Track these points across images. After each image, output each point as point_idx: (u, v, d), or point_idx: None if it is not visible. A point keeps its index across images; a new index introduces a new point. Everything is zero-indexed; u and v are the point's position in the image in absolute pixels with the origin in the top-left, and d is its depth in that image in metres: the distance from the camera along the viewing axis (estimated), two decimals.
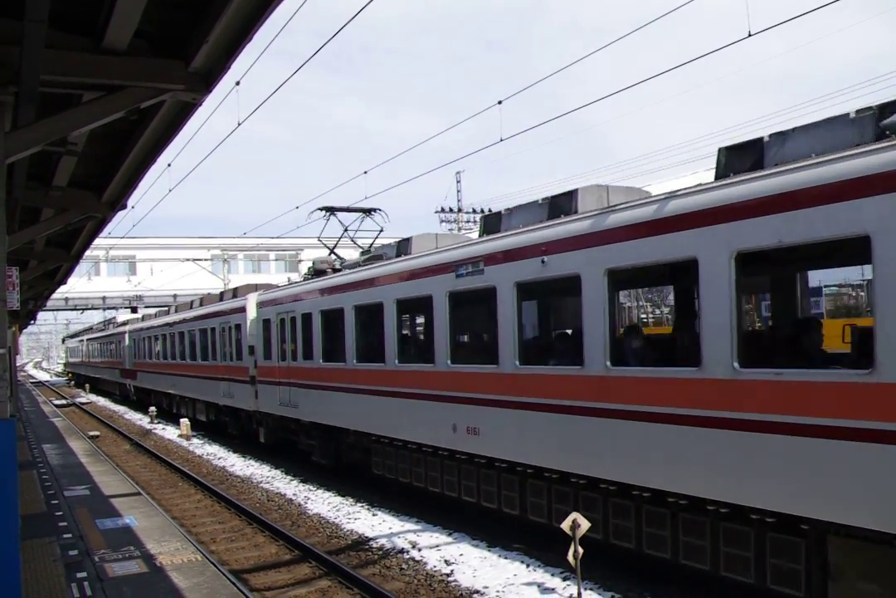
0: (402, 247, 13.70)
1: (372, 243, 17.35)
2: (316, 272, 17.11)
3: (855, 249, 6.52)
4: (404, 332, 14.12)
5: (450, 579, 9.51)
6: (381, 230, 17.69)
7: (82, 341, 63.37)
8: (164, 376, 31.26)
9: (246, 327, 20.40)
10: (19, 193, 10.91)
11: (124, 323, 44.17)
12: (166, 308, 34.68)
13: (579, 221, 9.09)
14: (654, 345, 9.77)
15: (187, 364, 27.04)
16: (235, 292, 23.02)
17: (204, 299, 27.11)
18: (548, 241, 9.45)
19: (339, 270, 16.11)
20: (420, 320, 14.91)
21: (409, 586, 9.42)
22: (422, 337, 14.61)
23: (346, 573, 9.75)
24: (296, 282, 18.89)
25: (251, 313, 20.08)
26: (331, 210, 17.58)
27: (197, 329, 25.84)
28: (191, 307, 28.03)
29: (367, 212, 17.75)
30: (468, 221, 46.26)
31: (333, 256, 17.62)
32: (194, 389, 26.49)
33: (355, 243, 18.13)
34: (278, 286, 19.84)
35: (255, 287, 22.26)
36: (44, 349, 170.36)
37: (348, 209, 17.77)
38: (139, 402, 37.90)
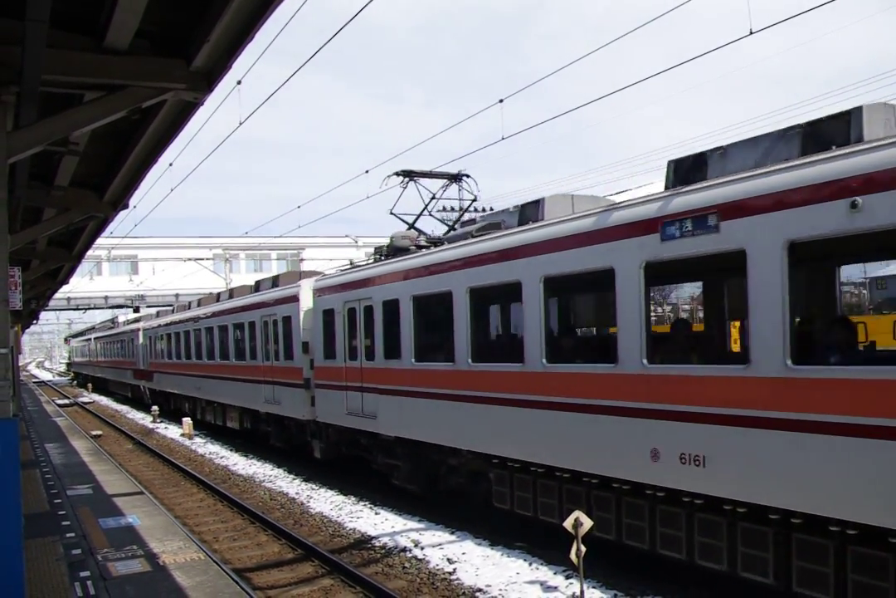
0: (529, 212, 10.82)
1: (462, 214, 14.71)
2: (395, 251, 13.87)
3: None
4: (557, 321, 10.85)
5: (452, 577, 9.52)
6: (475, 199, 15.22)
7: (89, 339, 61.50)
8: (186, 378, 27.64)
9: (299, 319, 17.09)
10: (21, 192, 10.93)
11: (137, 320, 41.38)
12: (186, 303, 31.03)
13: None
14: None
15: (217, 364, 23.53)
16: (276, 281, 19.83)
17: (234, 291, 23.83)
18: (874, 171, 6.24)
19: (424, 247, 13.19)
20: (584, 303, 11.78)
21: (412, 584, 9.43)
22: (589, 328, 11.47)
23: (348, 571, 9.76)
24: (364, 263, 15.28)
25: (306, 302, 16.88)
26: (410, 175, 14.78)
27: (230, 324, 22.21)
28: (218, 300, 24.91)
29: (454, 178, 14.94)
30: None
31: (406, 231, 14.55)
32: (226, 393, 22.96)
33: (433, 216, 15.40)
34: (343, 269, 16.25)
35: (298, 275, 19.07)
36: (46, 349, 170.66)
37: (431, 174, 15.04)
38: (146, 402, 35.28)
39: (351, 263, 16.02)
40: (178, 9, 6.82)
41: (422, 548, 10.80)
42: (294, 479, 16.99)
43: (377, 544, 11.27)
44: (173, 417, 30.63)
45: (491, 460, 10.87)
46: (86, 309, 61.85)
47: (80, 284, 45.98)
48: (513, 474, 10.50)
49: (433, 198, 14.84)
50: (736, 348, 8.19)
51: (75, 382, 69.97)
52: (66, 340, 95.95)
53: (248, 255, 62.20)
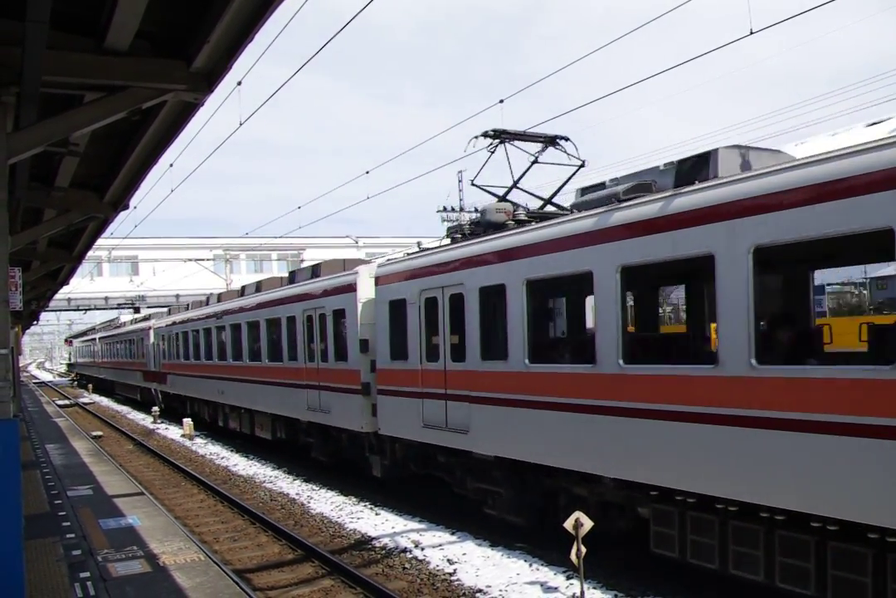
0: (692, 169, 8.57)
1: (564, 184, 12.21)
2: (487, 227, 11.57)
3: None
4: (774, 307, 8.34)
5: (453, 578, 9.52)
6: (583, 164, 12.24)
7: (93, 339, 60.38)
8: (206, 381, 25.02)
9: (356, 313, 14.59)
10: (21, 193, 10.94)
11: (146, 318, 39.21)
12: (203, 299, 28.31)
13: None
14: None
15: (245, 366, 21.07)
16: (317, 271, 17.30)
17: (263, 284, 21.19)
18: None
19: (523, 222, 11.07)
20: (821, 281, 8.72)
21: (412, 585, 9.42)
22: (832, 312, 8.37)
23: (348, 572, 9.76)
24: (439, 246, 12.76)
25: (364, 292, 14.45)
26: (501, 136, 12.26)
27: (262, 319, 19.56)
28: (243, 294, 22.42)
29: (552, 141, 12.39)
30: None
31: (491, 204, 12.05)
32: (256, 398, 20.37)
33: (519, 188, 12.58)
34: (410, 254, 13.60)
35: (342, 264, 16.65)
36: (46, 350, 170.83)
37: (525, 136, 12.55)
38: (158, 407, 32.96)
39: (419, 247, 13.72)
40: (178, 10, 6.83)
41: (422, 549, 10.79)
42: (294, 479, 16.99)
43: (377, 544, 11.27)
44: (174, 418, 30.58)
45: (648, 492, 8.44)
46: (86, 310, 61.95)
47: (80, 285, 46.02)
48: (685, 511, 8.00)
49: (535, 161, 12.22)
50: None
51: (75, 383, 69.91)
52: (67, 341, 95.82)
53: (249, 255, 62.26)
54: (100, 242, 18.43)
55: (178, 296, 55.03)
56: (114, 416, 36.59)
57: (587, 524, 8.19)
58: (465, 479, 11.85)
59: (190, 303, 29.87)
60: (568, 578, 9.10)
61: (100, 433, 27.42)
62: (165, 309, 38.34)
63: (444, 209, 47.11)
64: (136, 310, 54.79)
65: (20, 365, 52.48)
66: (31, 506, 11.72)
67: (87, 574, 8.94)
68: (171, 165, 15.01)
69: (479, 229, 11.75)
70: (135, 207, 15.01)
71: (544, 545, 10.31)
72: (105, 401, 47.10)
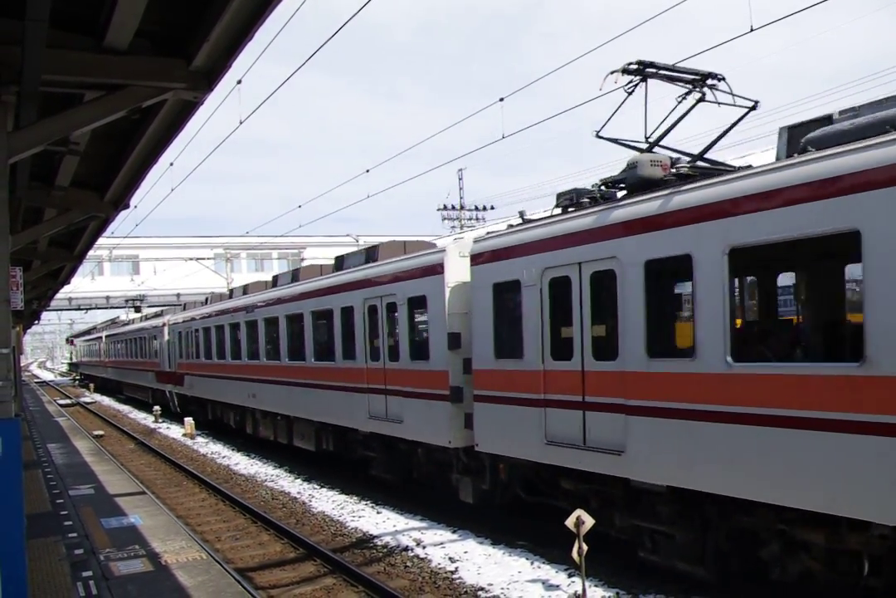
0: None
1: (731, 128, 9.42)
2: (637, 184, 8.89)
3: None
4: None
5: (454, 576, 9.52)
6: (754, 106, 9.22)
7: (99, 338, 58.84)
8: (234, 383, 22.17)
9: (443, 301, 11.96)
10: (22, 193, 10.95)
11: (158, 314, 36.60)
12: (226, 292, 26.15)
13: None
14: None
15: (284, 366, 18.28)
16: (373, 254, 14.74)
17: (301, 272, 18.80)
18: None
19: (687, 177, 8.44)
20: None
21: (414, 583, 9.43)
22: None
23: (350, 570, 9.77)
24: (562, 214, 9.89)
25: (454, 275, 11.87)
26: (645, 71, 9.21)
27: (307, 312, 16.87)
28: (275, 285, 19.84)
29: (702, 80, 9.27)
30: (470, 219, 46.39)
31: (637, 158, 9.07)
32: (297, 403, 17.62)
33: (661, 146, 9.49)
34: (512, 226, 10.90)
35: (402, 246, 14.25)
36: (48, 349, 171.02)
37: (675, 70, 9.33)
38: (173, 411, 30.94)
39: (522, 217, 11.08)
40: (177, 8, 6.82)
41: (424, 547, 10.80)
42: (296, 478, 16.99)
43: (379, 543, 11.27)
44: (175, 417, 30.56)
45: None
46: (87, 309, 61.97)
47: (81, 285, 46.09)
48: None
49: (701, 98, 9.24)
50: None
51: (77, 382, 69.89)
52: (69, 340, 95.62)
53: (250, 254, 62.26)
54: (100, 241, 18.44)
55: (178, 295, 55.08)
56: (115, 415, 36.62)
57: (588, 521, 8.19)
58: (609, 513, 9.14)
59: (209, 296, 27.61)
60: (569, 576, 9.10)
61: (101, 433, 27.45)
62: (164, 308, 37.96)
63: (445, 208, 47.18)
64: (137, 309, 54.83)
65: (21, 365, 52.52)
66: (33, 505, 11.75)
67: (89, 573, 8.98)
68: (172, 164, 15.04)
69: (616, 190, 9.43)
70: (135, 207, 15.04)
71: (545, 542, 10.32)
72: (106, 400, 47.15)
